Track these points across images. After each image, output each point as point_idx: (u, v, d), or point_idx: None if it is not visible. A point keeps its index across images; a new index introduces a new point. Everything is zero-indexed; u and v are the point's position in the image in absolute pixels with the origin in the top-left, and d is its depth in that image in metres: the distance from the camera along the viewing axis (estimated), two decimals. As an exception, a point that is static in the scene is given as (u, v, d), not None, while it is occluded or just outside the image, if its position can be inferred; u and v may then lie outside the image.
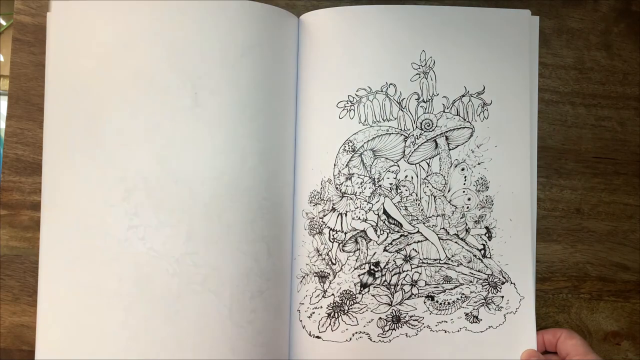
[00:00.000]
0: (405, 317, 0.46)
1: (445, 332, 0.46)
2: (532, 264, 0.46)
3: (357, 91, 0.46)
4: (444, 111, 0.46)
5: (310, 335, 0.45)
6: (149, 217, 0.44)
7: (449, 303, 0.46)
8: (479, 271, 0.46)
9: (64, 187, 0.45)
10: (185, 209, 0.44)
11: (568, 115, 0.49)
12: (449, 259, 0.46)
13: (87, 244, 0.45)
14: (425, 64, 0.46)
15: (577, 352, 0.42)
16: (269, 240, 0.44)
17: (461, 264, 0.46)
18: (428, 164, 0.46)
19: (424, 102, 0.46)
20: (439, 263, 0.46)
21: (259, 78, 0.45)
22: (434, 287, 0.46)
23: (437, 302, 0.46)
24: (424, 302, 0.46)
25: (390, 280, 0.46)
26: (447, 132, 0.46)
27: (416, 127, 0.46)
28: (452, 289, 0.46)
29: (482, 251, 0.46)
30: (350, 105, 0.46)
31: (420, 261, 0.46)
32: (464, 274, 0.46)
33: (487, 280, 0.46)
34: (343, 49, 0.46)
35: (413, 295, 0.46)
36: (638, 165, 0.49)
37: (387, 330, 0.45)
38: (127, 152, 0.45)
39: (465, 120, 0.46)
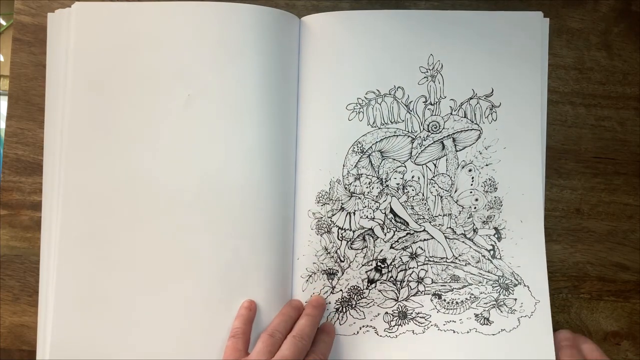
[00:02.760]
0: (411, 313, 0.46)
1: (454, 332, 0.45)
2: (546, 267, 0.46)
3: (366, 94, 0.47)
4: (451, 114, 0.47)
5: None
6: (146, 215, 0.45)
7: (457, 302, 0.46)
8: (488, 272, 0.46)
9: (65, 186, 0.45)
10: (174, 204, 0.45)
11: (568, 115, 0.49)
12: (456, 258, 0.46)
13: (87, 242, 0.45)
14: (433, 68, 0.47)
15: (592, 356, 0.42)
16: (256, 238, 0.45)
17: (469, 263, 0.46)
18: (435, 165, 0.47)
19: (431, 104, 0.47)
20: (446, 262, 0.46)
21: (256, 79, 0.45)
22: (441, 286, 0.46)
23: (444, 300, 0.46)
24: (431, 300, 0.46)
25: (396, 277, 0.46)
26: (454, 134, 0.47)
27: (423, 129, 0.47)
28: (460, 289, 0.46)
29: (492, 252, 0.46)
30: (360, 108, 0.47)
31: (427, 259, 0.46)
32: (472, 273, 0.46)
33: (497, 281, 0.46)
34: (351, 52, 0.47)
35: (419, 292, 0.46)
36: (638, 165, 0.49)
37: (394, 326, 0.46)
38: (126, 151, 0.45)
39: (472, 122, 0.47)
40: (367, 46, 0.47)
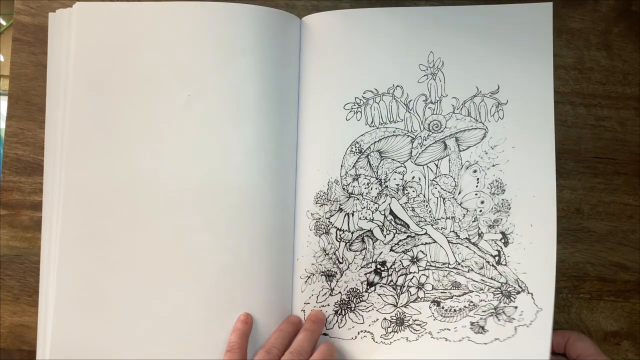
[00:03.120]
0: (409, 320, 0.45)
1: (446, 340, 0.44)
2: (554, 273, 0.42)
3: (363, 93, 0.46)
4: (453, 112, 0.45)
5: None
6: (146, 215, 0.45)
7: (455, 310, 0.44)
8: (491, 279, 0.44)
9: (65, 186, 0.45)
10: (174, 204, 0.44)
11: (568, 115, 0.49)
12: (459, 264, 0.44)
13: (87, 242, 0.45)
14: (434, 65, 0.45)
15: (588, 354, 0.42)
16: (256, 238, 0.45)
17: (472, 270, 0.44)
18: (436, 165, 0.45)
19: (432, 103, 0.45)
20: (448, 267, 0.45)
21: (256, 80, 0.45)
22: (441, 292, 0.44)
23: (442, 308, 0.44)
24: (430, 307, 0.44)
25: (396, 281, 0.45)
26: (457, 133, 0.45)
27: (424, 128, 0.45)
28: (460, 296, 0.44)
29: (497, 258, 0.44)
30: (357, 107, 0.46)
31: (428, 264, 0.45)
32: (474, 280, 0.44)
33: (499, 289, 0.43)
34: (349, 51, 0.46)
35: (419, 299, 0.45)
36: (638, 165, 0.49)
37: (390, 332, 0.45)
38: (126, 151, 0.45)
39: (477, 121, 0.45)
40: (365, 45, 0.46)
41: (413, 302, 0.45)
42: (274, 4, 0.50)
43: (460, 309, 0.44)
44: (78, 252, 0.45)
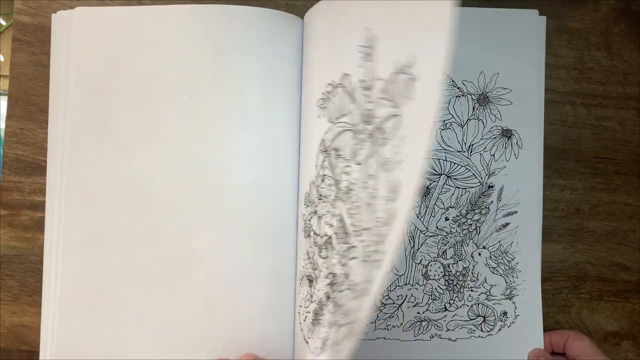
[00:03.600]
0: (324, 343, 0.38)
1: None
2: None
3: (326, 87, 0.42)
4: (380, 97, 0.36)
5: (304, 339, 0.44)
6: (148, 217, 0.45)
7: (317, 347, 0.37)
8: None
9: (67, 188, 0.45)
10: (176, 205, 0.45)
11: (568, 115, 0.49)
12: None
13: (90, 244, 0.45)
14: (369, 43, 0.37)
15: (587, 354, 0.42)
16: (257, 238, 0.45)
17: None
18: (368, 165, 0.37)
19: (367, 90, 0.37)
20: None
21: (257, 82, 0.45)
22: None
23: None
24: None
25: (337, 300, 0.37)
26: (382, 122, 0.35)
27: (361, 120, 0.38)
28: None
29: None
30: (323, 103, 0.42)
31: (345, 286, 0.36)
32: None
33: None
34: (321, 45, 0.44)
35: (331, 324, 0.38)
36: (638, 165, 0.49)
37: (319, 354, 0.39)
38: (128, 154, 0.45)
39: (395, 105, 0.34)
40: (329, 34, 0.42)
41: (330, 328, 0.38)
42: (274, 4, 0.49)
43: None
44: (81, 253, 0.45)
